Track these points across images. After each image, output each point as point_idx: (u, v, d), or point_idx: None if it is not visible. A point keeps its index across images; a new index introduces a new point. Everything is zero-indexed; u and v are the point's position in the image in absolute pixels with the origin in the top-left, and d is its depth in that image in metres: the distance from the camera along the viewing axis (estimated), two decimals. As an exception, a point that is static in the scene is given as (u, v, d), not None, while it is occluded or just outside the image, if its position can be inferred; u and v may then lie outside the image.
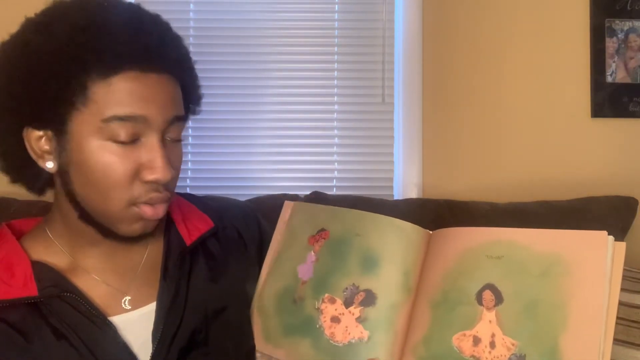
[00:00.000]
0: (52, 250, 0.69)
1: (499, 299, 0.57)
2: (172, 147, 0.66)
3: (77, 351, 0.62)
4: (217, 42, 1.66)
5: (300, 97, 1.66)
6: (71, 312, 0.64)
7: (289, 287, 0.72)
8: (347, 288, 0.66)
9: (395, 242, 0.66)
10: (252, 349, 0.73)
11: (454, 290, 0.60)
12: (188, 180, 1.66)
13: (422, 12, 1.62)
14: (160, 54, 0.63)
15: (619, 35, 1.61)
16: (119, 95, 0.60)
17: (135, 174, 0.62)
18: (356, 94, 1.66)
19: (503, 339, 0.55)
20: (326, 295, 0.68)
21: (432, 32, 1.63)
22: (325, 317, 0.67)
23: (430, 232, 0.67)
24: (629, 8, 1.60)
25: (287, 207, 0.80)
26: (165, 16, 0.71)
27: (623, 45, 1.61)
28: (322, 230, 0.73)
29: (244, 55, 1.66)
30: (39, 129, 0.63)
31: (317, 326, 0.67)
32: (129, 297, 0.68)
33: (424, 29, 1.62)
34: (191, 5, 1.66)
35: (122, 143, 0.61)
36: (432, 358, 0.59)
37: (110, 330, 0.65)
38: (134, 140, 0.62)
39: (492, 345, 0.55)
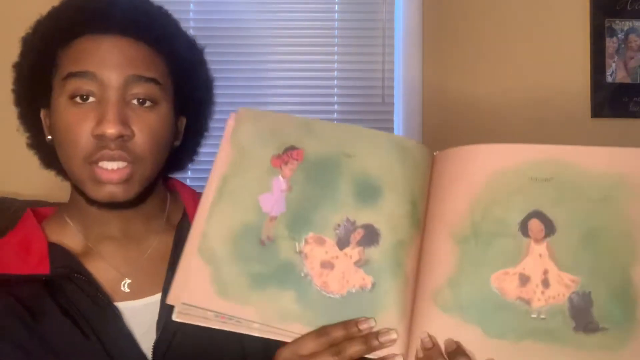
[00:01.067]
0: (68, 233, 0.71)
1: (549, 228, 0.46)
2: (139, 110, 0.66)
3: (82, 332, 0.63)
4: (217, 42, 1.61)
5: (300, 97, 1.61)
6: (79, 294, 0.65)
7: (250, 225, 0.55)
8: (339, 225, 0.53)
9: (398, 163, 0.54)
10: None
11: (488, 220, 0.49)
12: (188, 180, 1.62)
13: (422, 12, 1.58)
14: (112, 18, 0.66)
15: (619, 35, 1.57)
16: (75, 55, 0.65)
17: (91, 132, 0.63)
18: (356, 94, 1.61)
19: (559, 276, 0.45)
20: (310, 234, 0.53)
21: (432, 32, 1.58)
22: (312, 262, 0.52)
23: (435, 152, 0.56)
24: (629, 8, 1.56)
25: (231, 118, 0.60)
26: (165, 16, 0.73)
27: (623, 45, 1.56)
28: (292, 148, 0.57)
29: (244, 55, 1.60)
30: (44, 107, 0.70)
31: (302, 274, 0.52)
32: (129, 281, 0.69)
33: (424, 29, 1.58)
34: (191, 5, 1.61)
35: (81, 102, 0.64)
36: (463, 304, 0.47)
37: (115, 315, 0.65)
38: (91, 101, 0.64)
39: (545, 283, 0.45)
